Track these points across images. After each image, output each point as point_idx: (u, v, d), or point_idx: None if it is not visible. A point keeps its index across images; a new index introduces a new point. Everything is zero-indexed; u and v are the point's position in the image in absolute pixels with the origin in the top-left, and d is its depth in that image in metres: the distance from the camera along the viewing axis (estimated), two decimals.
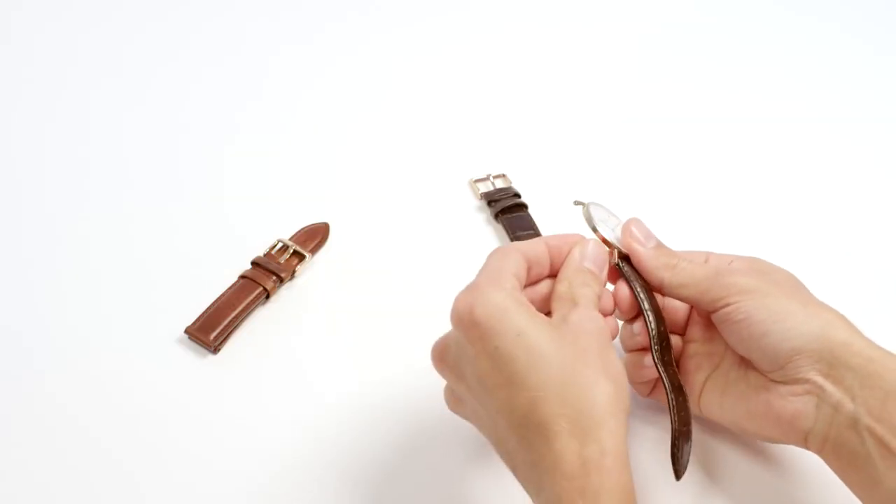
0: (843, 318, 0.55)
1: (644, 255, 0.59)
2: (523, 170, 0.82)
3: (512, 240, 0.75)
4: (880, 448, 0.51)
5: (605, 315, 0.57)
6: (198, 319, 0.68)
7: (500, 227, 0.77)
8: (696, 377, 0.60)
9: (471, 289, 0.53)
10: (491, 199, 0.78)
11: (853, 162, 0.86)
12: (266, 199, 0.79)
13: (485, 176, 0.81)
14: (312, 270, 0.74)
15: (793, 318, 0.54)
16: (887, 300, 0.73)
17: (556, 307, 0.56)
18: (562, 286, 0.56)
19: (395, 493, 0.60)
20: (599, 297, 0.57)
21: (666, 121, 0.89)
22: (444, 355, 0.55)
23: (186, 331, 0.67)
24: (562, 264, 0.58)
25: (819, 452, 0.55)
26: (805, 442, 0.55)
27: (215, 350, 0.67)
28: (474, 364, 0.52)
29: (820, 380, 0.53)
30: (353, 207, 0.79)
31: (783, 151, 0.87)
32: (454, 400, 0.56)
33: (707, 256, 0.59)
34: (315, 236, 0.75)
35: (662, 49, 0.97)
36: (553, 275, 0.58)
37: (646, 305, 0.59)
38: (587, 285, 0.56)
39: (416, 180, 0.82)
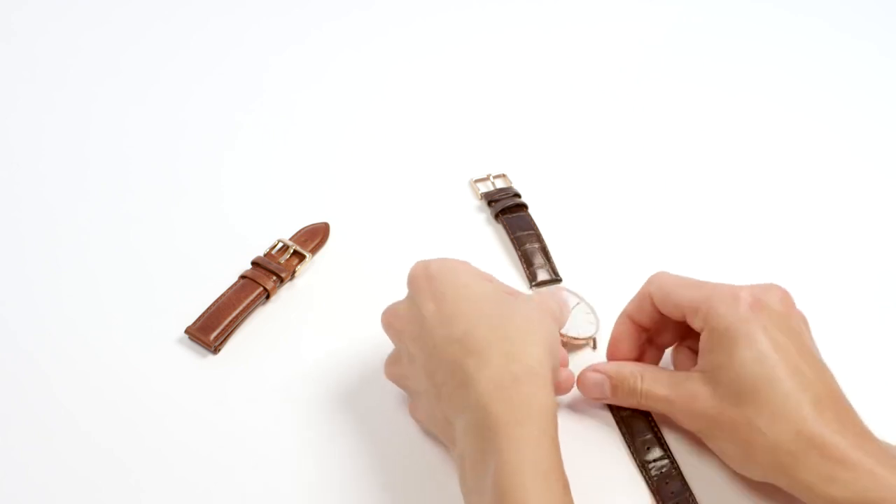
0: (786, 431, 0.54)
1: (611, 401, 0.63)
2: (524, 169, 0.82)
3: (512, 240, 0.75)
4: None
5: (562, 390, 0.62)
6: (198, 319, 0.68)
7: (500, 227, 0.77)
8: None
9: (429, 258, 0.60)
10: (491, 200, 0.78)
11: (853, 162, 0.86)
12: (266, 199, 0.79)
13: (485, 176, 0.81)
14: (312, 270, 0.74)
15: (739, 462, 0.58)
16: (887, 300, 0.73)
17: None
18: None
19: (395, 493, 0.60)
20: (560, 321, 0.62)
21: (666, 121, 0.89)
22: (395, 311, 0.61)
23: (186, 331, 0.67)
24: None
25: None
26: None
27: (215, 350, 0.67)
28: (421, 309, 0.58)
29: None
30: (353, 207, 0.79)
31: (783, 153, 0.87)
32: (391, 361, 0.62)
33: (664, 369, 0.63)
34: (315, 236, 0.75)
35: (663, 49, 0.97)
36: None
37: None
38: (554, 303, 0.62)
39: (416, 180, 0.82)
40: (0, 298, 0.71)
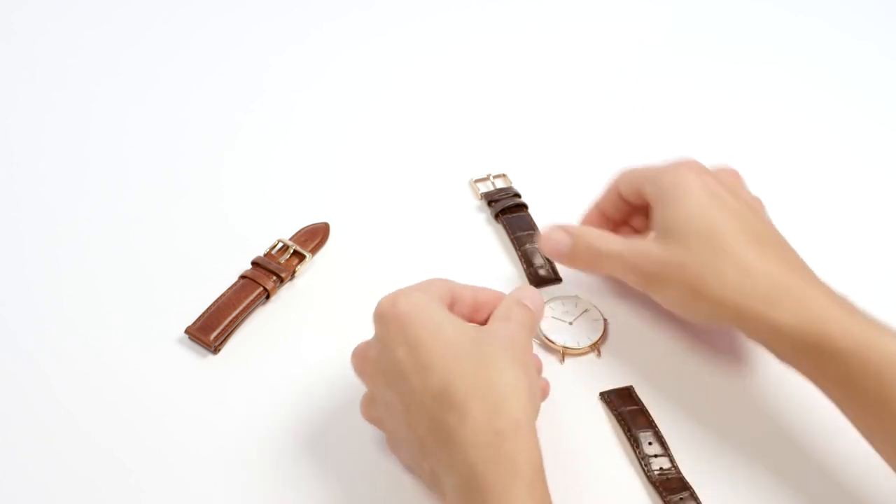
0: (729, 278, 0.59)
1: (566, 263, 0.68)
2: (524, 169, 0.82)
3: (512, 240, 0.75)
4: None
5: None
6: (198, 319, 0.68)
7: (500, 227, 0.77)
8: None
9: (395, 291, 0.57)
10: (491, 200, 0.78)
11: (853, 162, 0.86)
12: (266, 199, 0.79)
13: (485, 176, 0.81)
14: (312, 270, 0.74)
15: (687, 308, 0.62)
16: (887, 301, 0.73)
17: (491, 321, 0.59)
18: (501, 309, 0.60)
19: (396, 493, 0.60)
20: (533, 330, 0.60)
21: (666, 121, 0.89)
22: (364, 353, 0.58)
23: (186, 331, 0.67)
24: (485, 315, 0.61)
25: None
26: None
27: (215, 350, 0.67)
28: (393, 354, 0.55)
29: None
30: (353, 207, 0.79)
31: (783, 153, 0.87)
32: (367, 402, 0.60)
33: (613, 205, 0.69)
34: (315, 236, 0.75)
35: (663, 49, 0.97)
36: (472, 321, 0.61)
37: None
38: (525, 314, 0.60)
39: (416, 180, 0.82)
40: (0, 298, 0.71)
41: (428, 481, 0.57)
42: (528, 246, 0.74)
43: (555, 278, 0.73)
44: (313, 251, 0.74)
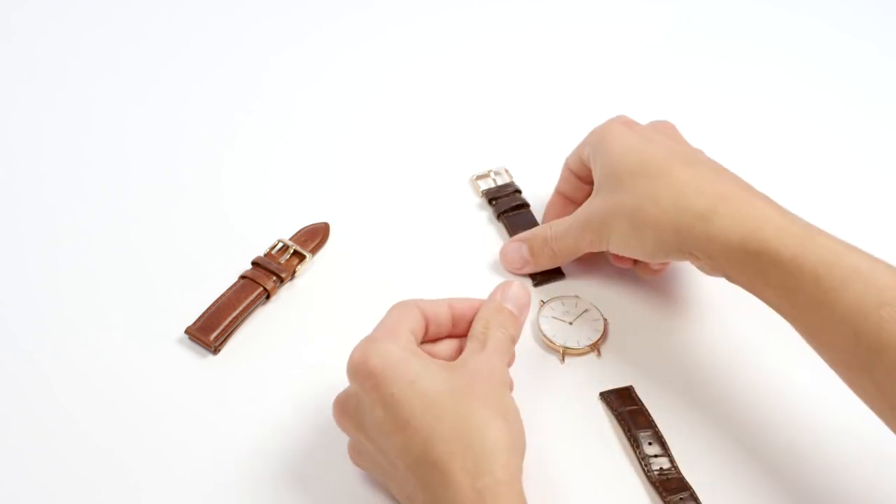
0: (665, 203, 0.61)
1: (534, 270, 0.72)
2: (524, 169, 0.81)
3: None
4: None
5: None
6: (198, 320, 0.68)
7: (501, 226, 0.77)
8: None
9: (366, 341, 0.55)
10: (492, 198, 0.78)
11: (853, 162, 0.86)
12: (266, 199, 0.79)
13: (486, 172, 0.81)
14: (312, 270, 0.74)
15: (635, 244, 0.63)
16: None
17: (468, 346, 0.57)
18: (478, 325, 0.58)
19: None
20: (515, 340, 0.59)
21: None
22: (344, 407, 0.57)
23: (186, 331, 0.67)
24: (466, 325, 0.59)
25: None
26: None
27: (215, 350, 0.67)
28: (371, 413, 0.53)
29: (693, 259, 0.61)
30: (353, 207, 0.79)
31: (783, 153, 0.87)
32: (354, 453, 0.58)
33: (568, 182, 0.72)
34: (315, 236, 0.75)
35: (663, 49, 0.97)
36: (453, 335, 0.60)
37: None
38: (503, 327, 0.58)
39: (416, 180, 0.82)
40: (0, 298, 0.71)
41: None
42: None
43: (558, 273, 0.72)
44: (313, 251, 0.74)
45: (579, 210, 0.67)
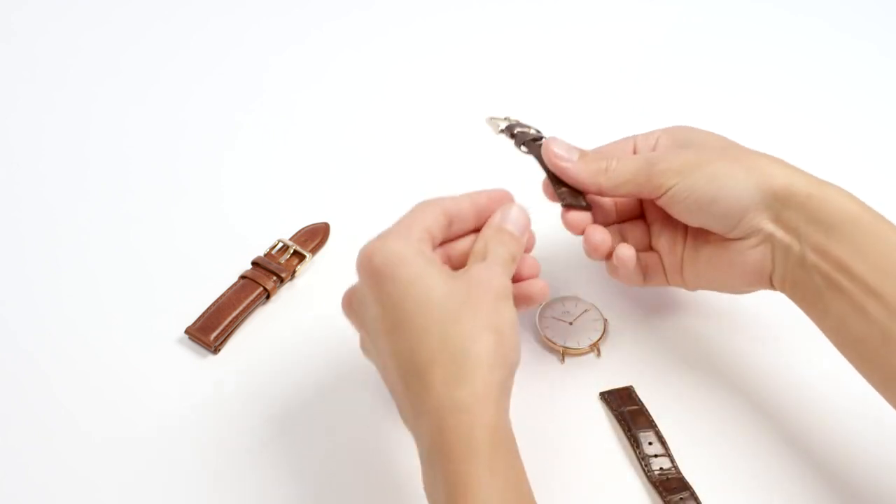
0: (779, 162, 0.59)
1: (573, 170, 0.63)
2: (525, 170, 0.81)
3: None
4: (825, 281, 0.56)
5: (524, 278, 0.59)
6: (198, 319, 0.68)
7: None
8: (674, 255, 0.64)
9: (377, 238, 0.56)
10: (513, 133, 0.70)
11: (853, 162, 0.86)
12: (266, 199, 0.79)
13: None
14: (312, 270, 0.74)
15: (733, 179, 0.58)
16: None
17: (469, 262, 0.58)
18: (478, 244, 0.58)
19: (395, 493, 0.60)
20: (515, 259, 0.58)
21: (666, 121, 0.89)
22: (350, 301, 0.57)
23: (186, 331, 0.67)
24: (488, 219, 0.59)
25: (783, 292, 0.60)
26: (771, 285, 0.61)
27: (215, 350, 0.67)
28: (370, 310, 0.54)
29: (770, 227, 0.58)
30: (353, 207, 0.79)
31: (783, 153, 0.86)
32: (361, 344, 0.59)
33: (633, 144, 0.64)
34: (315, 236, 0.75)
35: (663, 49, 0.97)
36: (477, 230, 0.59)
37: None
38: (503, 244, 0.58)
39: (416, 180, 0.82)
40: (0, 298, 0.71)
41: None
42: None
43: (585, 206, 0.64)
44: (313, 251, 0.74)
45: (646, 153, 0.63)
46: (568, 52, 0.97)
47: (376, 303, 0.54)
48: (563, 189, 0.63)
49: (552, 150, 0.63)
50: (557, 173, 0.63)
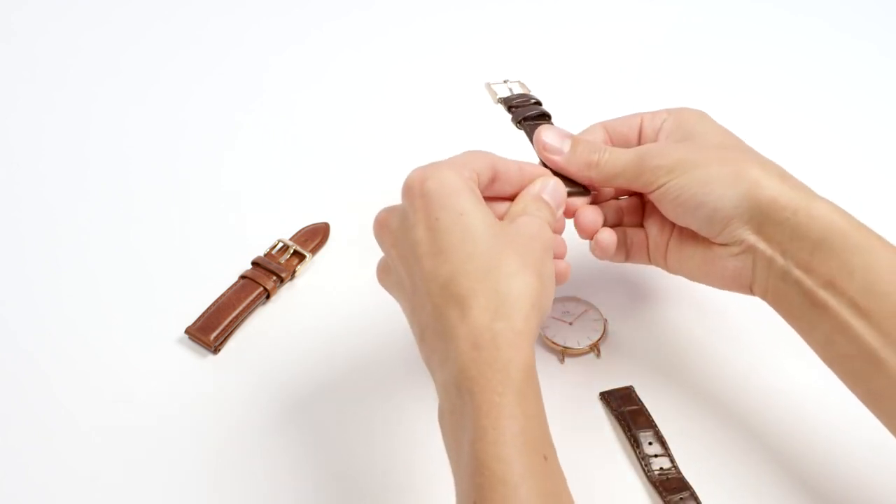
0: (770, 171, 0.58)
1: (562, 163, 0.62)
2: None
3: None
4: (808, 298, 0.56)
5: (553, 257, 0.59)
6: (198, 319, 0.68)
7: None
8: (661, 239, 0.64)
9: (428, 166, 0.56)
10: (511, 105, 0.70)
11: (853, 162, 0.86)
12: (266, 199, 0.79)
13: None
14: (312, 270, 0.74)
15: (721, 186, 0.58)
16: None
17: (507, 220, 0.58)
18: (516, 206, 0.59)
19: (397, 491, 0.60)
20: (552, 225, 0.58)
21: None
22: (387, 221, 0.57)
23: (186, 331, 0.67)
24: None
25: (765, 300, 0.60)
26: (751, 291, 0.60)
27: (215, 350, 0.67)
28: (413, 232, 0.54)
29: (752, 239, 0.58)
30: (353, 207, 0.78)
31: (783, 153, 0.86)
32: (382, 269, 0.59)
33: (640, 122, 0.65)
34: (315, 236, 0.75)
35: (663, 49, 0.97)
36: (511, 199, 0.60)
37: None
38: (539, 210, 0.58)
39: None
40: (0, 298, 0.71)
41: (426, 364, 0.55)
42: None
43: (584, 191, 0.64)
44: (313, 251, 0.74)
45: (642, 146, 0.63)
46: (568, 52, 0.97)
47: (422, 225, 0.54)
48: (559, 176, 0.63)
49: (542, 141, 0.63)
50: (548, 165, 0.63)
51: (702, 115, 0.64)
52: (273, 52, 0.95)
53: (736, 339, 0.69)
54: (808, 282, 0.56)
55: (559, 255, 0.60)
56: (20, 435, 0.62)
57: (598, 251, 0.63)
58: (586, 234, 0.63)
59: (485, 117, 0.89)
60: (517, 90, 0.71)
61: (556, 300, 0.70)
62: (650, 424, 0.62)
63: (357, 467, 0.61)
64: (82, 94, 0.90)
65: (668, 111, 0.65)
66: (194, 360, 0.67)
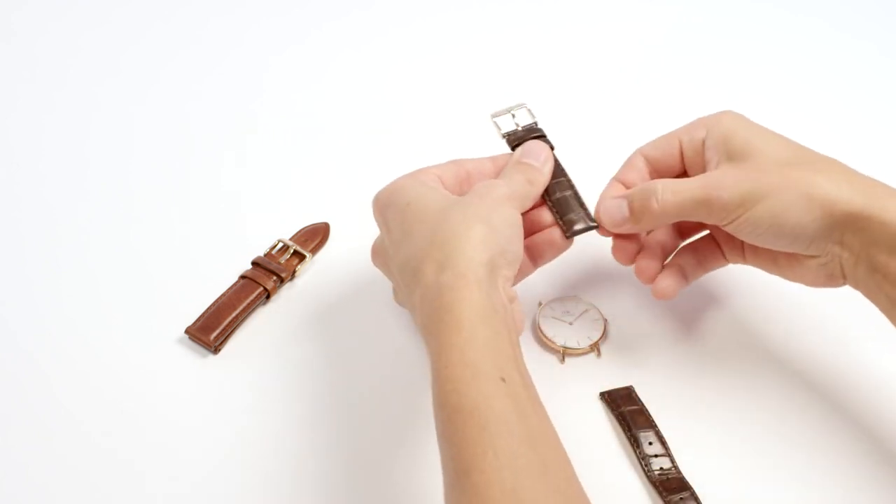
0: (837, 178, 0.59)
1: (630, 230, 0.63)
2: None
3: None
4: (890, 299, 0.57)
5: (545, 227, 0.63)
6: (198, 319, 0.68)
7: None
8: (734, 242, 0.64)
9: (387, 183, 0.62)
10: (515, 144, 0.68)
11: (853, 162, 0.86)
12: (266, 199, 0.79)
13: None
14: (312, 270, 0.74)
15: (796, 213, 0.57)
16: None
17: None
18: (498, 178, 0.63)
19: (397, 491, 0.60)
20: (533, 182, 0.61)
21: (666, 122, 0.89)
22: (375, 250, 0.64)
23: (186, 331, 0.67)
24: None
25: (857, 290, 0.60)
26: (844, 284, 0.61)
27: (215, 350, 0.67)
28: (383, 239, 0.61)
29: (836, 250, 0.58)
30: (353, 207, 0.78)
31: None
32: (395, 291, 0.64)
33: (678, 144, 0.64)
34: (315, 236, 0.75)
35: (663, 49, 0.97)
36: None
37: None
38: (520, 172, 0.62)
39: None
40: (0, 298, 0.71)
41: None
42: (558, 194, 0.65)
43: (591, 226, 0.64)
44: (313, 251, 0.74)
45: (702, 177, 0.61)
46: (568, 52, 0.97)
47: (384, 228, 0.60)
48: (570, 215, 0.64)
49: (606, 227, 0.63)
50: (614, 230, 0.64)
51: (743, 123, 0.63)
52: (273, 52, 0.95)
53: (737, 338, 0.69)
54: (887, 285, 0.57)
55: (552, 223, 0.63)
56: (20, 435, 0.62)
57: (659, 297, 0.64)
58: (647, 279, 0.64)
59: (485, 117, 0.89)
60: (523, 119, 0.70)
61: (556, 300, 0.70)
62: (650, 424, 0.62)
63: (358, 467, 0.61)
64: (82, 94, 0.90)
65: (704, 123, 0.64)
66: (194, 360, 0.67)
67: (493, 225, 0.56)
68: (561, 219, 0.64)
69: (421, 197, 0.59)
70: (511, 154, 0.65)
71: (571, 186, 0.66)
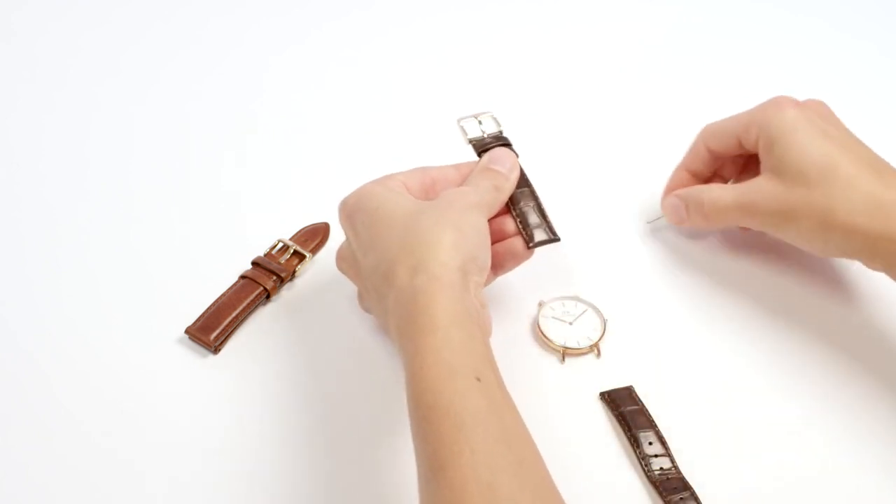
0: (853, 201, 0.61)
1: (688, 221, 0.70)
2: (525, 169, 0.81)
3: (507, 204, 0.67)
4: None
5: (508, 235, 0.64)
6: (198, 319, 0.68)
7: None
8: None
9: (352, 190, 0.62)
10: (481, 151, 0.68)
11: None
12: (266, 199, 0.79)
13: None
14: (312, 270, 0.74)
15: (818, 239, 0.63)
16: (886, 303, 0.73)
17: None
18: (465, 184, 0.63)
19: (398, 491, 0.60)
20: (499, 188, 0.63)
21: (666, 121, 0.89)
22: (341, 256, 0.64)
23: (186, 331, 0.67)
24: None
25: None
26: None
27: (215, 350, 0.67)
28: (352, 247, 0.61)
29: (867, 263, 0.63)
30: None
31: None
32: (360, 296, 0.65)
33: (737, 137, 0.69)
34: (315, 236, 0.75)
35: (663, 49, 0.97)
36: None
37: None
38: (486, 179, 0.62)
39: None
40: (0, 298, 0.71)
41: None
42: (522, 205, 0.66)
43: (552, 238, 0.65)
44: (313, 251, 0.74)
45: (748, 189, 0.66)
46: (568, 52, 0.97)
47: (350, 233, 0.60)
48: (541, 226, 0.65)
49: (679, 216, 0.71)
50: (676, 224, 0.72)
51: (790, 126, 0.66)
52: (273, 52, 0.95)
53: (736, 338, 0.69)
54: None
55: (517, 232, 0.64)
56: (20, 435, 0.62)
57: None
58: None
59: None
60: (489, 126, 0.70)
61: (556, 300, 0.70)
62: (650, 424, 0.62)
63: (358, 468, 0.61)
64: (82, 94, 0.90)
65: (758, 122, 0.68)
66: (194, 360, 0.67)
67: (464, 231, 0.57)
68: (524, 229, 0.65)
69: (389, 202, 0.59)
70: (476, 162, 0.66)
71: (535, 197, 0.66)
